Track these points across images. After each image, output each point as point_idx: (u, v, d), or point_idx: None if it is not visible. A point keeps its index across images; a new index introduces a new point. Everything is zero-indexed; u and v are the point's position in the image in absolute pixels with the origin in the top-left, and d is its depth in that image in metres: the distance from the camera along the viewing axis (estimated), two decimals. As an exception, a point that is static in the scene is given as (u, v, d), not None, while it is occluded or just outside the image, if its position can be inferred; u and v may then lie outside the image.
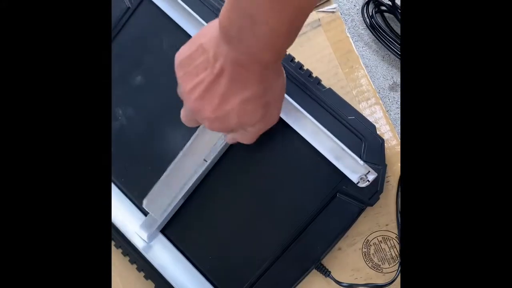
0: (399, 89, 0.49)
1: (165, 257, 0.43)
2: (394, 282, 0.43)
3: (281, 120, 0.42)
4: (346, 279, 0.44)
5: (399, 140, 0.46)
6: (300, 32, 0.49)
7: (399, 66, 0.49)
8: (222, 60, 0.30)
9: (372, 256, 0.45)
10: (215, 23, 0.31)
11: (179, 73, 0.33)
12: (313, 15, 0.48)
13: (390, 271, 0.45)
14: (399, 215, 0.45)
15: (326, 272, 0.43)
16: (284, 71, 0.36)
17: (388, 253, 0.45)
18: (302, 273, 0.42)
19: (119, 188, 0.45)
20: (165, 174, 0.42)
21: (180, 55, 0.33)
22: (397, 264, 0.44)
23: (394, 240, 0.45)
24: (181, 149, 0.43)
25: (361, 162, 0.40)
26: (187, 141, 0.43)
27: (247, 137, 0.37)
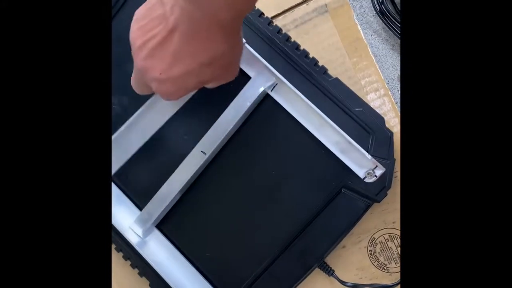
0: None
1: (161, 253, 0.41)
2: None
3: (284, 111, 0.40)
4: (351, 278, 0.42)
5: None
6: (306, 18, 0.47)
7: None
8: (177, 14, 0.28)
9: (378, 255, 0.43)
10: None
11: (133, 27, 0.31)
12: (320, 0, 0.46)
13: (397, 271, 0.43)
14: (407, 212, 0.43)
15: (329, 271, 0.42)
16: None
17: (395, 252, 0.43)
18: (304, 272, 0.40)
19: (112, 181, 0.43)
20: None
21: (139, 10, 0.31)
22: (404, 264, 0.43)
23: (401, 239, 0.43)
24: (177, 139, 0.41)
25: (369, 156, 0.38)
26: (185, 132, 0.41)
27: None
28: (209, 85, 0.34)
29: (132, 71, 0.44)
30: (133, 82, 0.35)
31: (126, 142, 0.41)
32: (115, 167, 0.42)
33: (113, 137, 0.41)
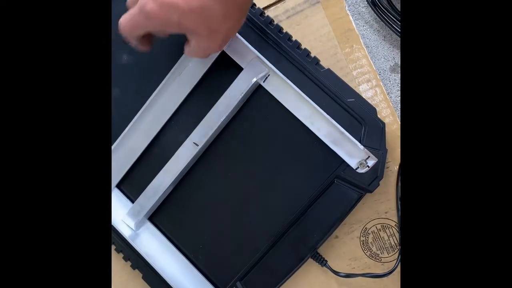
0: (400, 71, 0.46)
1: (153, 245, 0.41)
2: (393, 272, 0.41)
3: (276, 102, 0.40)
4: (343, 268, 0.43)
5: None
6: (298, 9, 0.47)
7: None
8: None
9: (370, 245, 0.43)
10: None
11: None
12: (312, -9, 0.46)
13: (389, 260, 0.43)
14: (399, 202, 0.43)
15: (322, 261, 0.42)
16: None
17: (387, 242, 0.43)
18: (297, 262, 0.41)
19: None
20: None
21: None
22: (397, 253, 0.43)
23: (393, 228, 0.43)
24: (169, 130, 0.41)
25: (361, 147, 0.38)
26: (177, 124, 0.40)
27: (194, 51, 0.35)
28: (195, 47, 0.34)
29: (121, 61, 0.43)
30: (129, 22, 0.33)
31: (129, 149, 0.41)
32: (119, 175, 0.42)
33: (113, 145, 0.42)
